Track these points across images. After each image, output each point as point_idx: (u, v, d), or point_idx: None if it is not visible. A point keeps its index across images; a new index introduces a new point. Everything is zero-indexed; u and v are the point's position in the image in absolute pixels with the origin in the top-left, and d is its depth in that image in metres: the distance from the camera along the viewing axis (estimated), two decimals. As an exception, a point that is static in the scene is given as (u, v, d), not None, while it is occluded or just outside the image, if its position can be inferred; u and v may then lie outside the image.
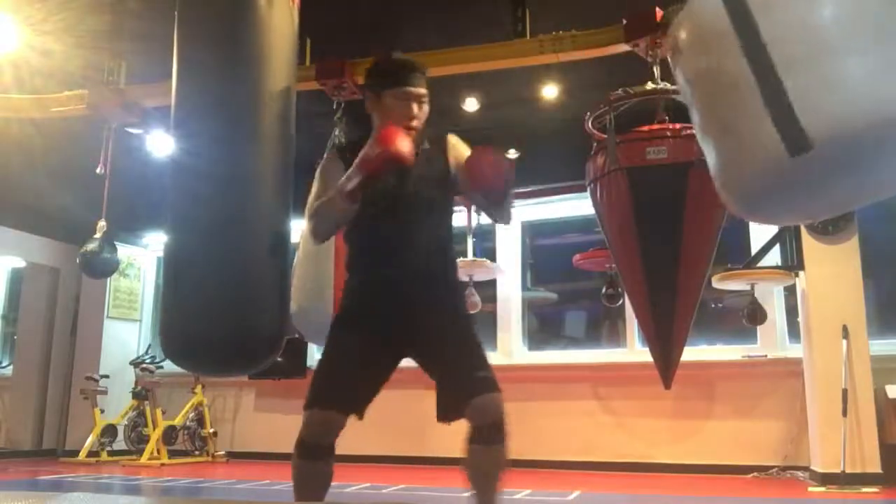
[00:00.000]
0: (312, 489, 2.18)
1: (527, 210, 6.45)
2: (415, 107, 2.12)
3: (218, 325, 2.31)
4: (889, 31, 1.46)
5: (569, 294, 6.95)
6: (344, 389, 2.09)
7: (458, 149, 2.23)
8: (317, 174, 2.24)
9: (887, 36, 1.46)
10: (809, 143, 1.43)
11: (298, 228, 2.90)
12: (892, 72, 1.44)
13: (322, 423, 2.10)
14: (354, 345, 2.10)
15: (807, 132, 1.43)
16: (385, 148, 1.93)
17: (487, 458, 2.03)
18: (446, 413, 2.08)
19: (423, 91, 2.14)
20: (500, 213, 2.19)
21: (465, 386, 2.02)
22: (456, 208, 2.49)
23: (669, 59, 1.96)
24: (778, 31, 1.49)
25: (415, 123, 2.12)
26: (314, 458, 2.15)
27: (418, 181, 2.13)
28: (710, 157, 1.77)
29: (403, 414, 4.97)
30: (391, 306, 2.11)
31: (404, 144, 1.95)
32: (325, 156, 2.20)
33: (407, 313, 2.11)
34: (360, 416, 2.13)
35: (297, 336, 3.34)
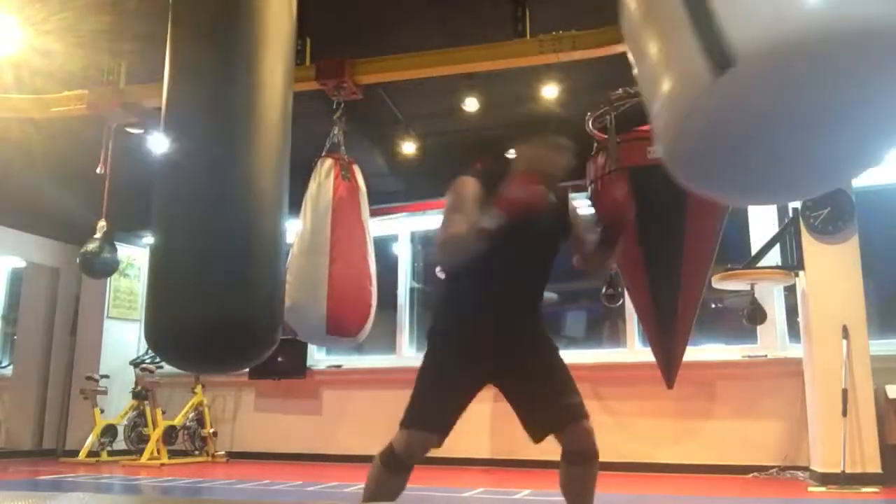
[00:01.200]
0: (385, 498, 2.25)
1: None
2: (554, 156, 2.27)
3: (209, 321, 2.29)
4: None
5: (569, 294, 6.95)
6: (445, 414, 2.19)
7: (574, 203, 2.43)
8: (449, 197, 2.25)
9: None
10: (732, 58, 1.18)
11: (293, 226, 2.89)
12: None
13: (420, 444, 2.19)
14: (457, 373, 2.21)
15: (730, 45, 1.18)
16: (530, 193, 2.04)
17: (583, 478, 2.26)
18: (538, 435, 2.25)
19: (565, 143, 2.29)
20: (605, 257, 2.33)
21: (559, 415, 2.20)
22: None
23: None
24: None
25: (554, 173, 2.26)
26: (398, 472, 2.22)
27: (542, 229, 2.26)
28: (648, 105, 1.51)
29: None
30: (493, 341, 2.23)
31: (537, 195, 2.08)
32: (459, 177, 2.25)
33: (506, 348, 2.24)
34: (440, 442, 2.21)
35: (295, 336, 3.34)
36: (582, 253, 2.41)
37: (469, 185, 2.21)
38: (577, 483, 2.26)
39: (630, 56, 1.59)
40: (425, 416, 2.17)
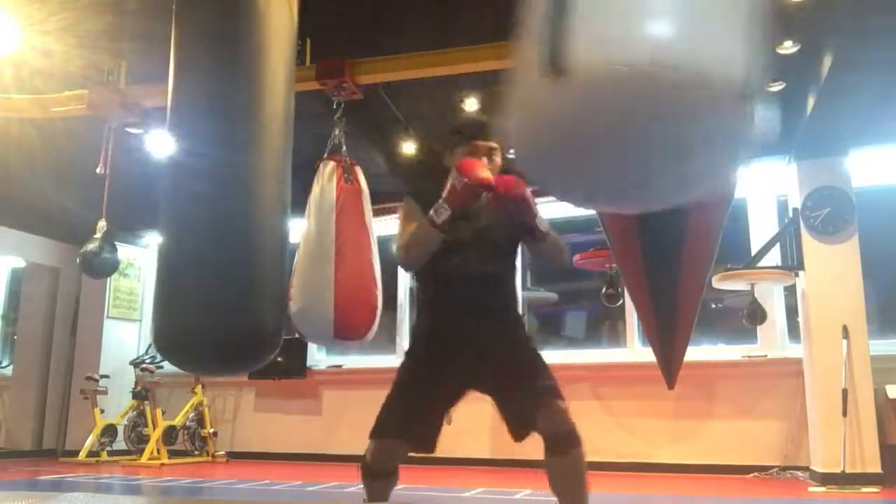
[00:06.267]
0: (379, 498, 2.35)
1: (527, 210, 6.45)
2: (483, 159, 2.29)
3: (215, 324, 2.30)
4: None
5: (569, 294, 6.95)
6: (410, 422, 2.24)
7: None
8: (398, 215, 2.40)
9: None
10: (566, 70, 1.21)
11: (298, 228, 2.90)
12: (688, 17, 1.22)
13: (385, 452, 2.27)
14: (423, 380, 2.28)
15: (566, 57, 1.21)
16: (469, 176, 2.12)
17: (566, 467, 2.13)
18: (518, 430, 2.21)
19: (492, 144, 2.33)
20: (544, 250, 2.37)
21: (532, 399, 2.15)
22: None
23: None
24: None
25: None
26: (378, 479, 2.32)
27: (489, 226, 2.32)
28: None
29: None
30: (462, 345, 2.27)
31: (485, 172, 2.16)
32: (404, 199, 2.40)
33: (476, 352, 2.26)
34: (431, 449, 2.26)
35: (296, 336, 3.35)
36: (542, 251, 2.42)
37: (409, 205, 2.35)
38: (566, 475, 2.13)
39: None
40: (385, 426, 2.25)
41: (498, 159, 2.34)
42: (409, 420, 2.24)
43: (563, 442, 2.10)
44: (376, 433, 2.25)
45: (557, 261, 2.44)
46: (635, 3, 1.25)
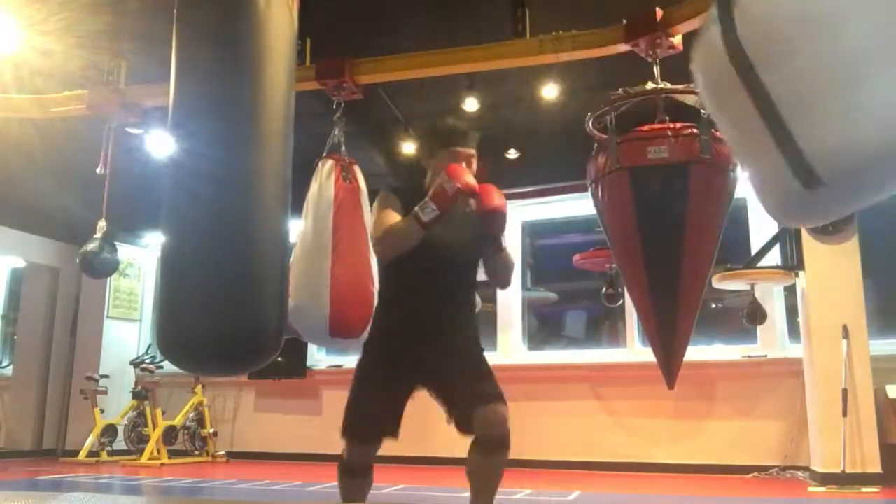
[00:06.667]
0: (358, 498, 2.48)
1: (527, 210, 6.45)
2: (464, 165, 2.37)
3: (216, 324, 2.30)
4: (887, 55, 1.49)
5: (569, 294, 6.95)
6: (375, 422, 2.37)
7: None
8: (375, 206, 2.48)
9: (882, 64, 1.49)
10: (820, 180, 1.49)
11: (296, 227, 2.90)
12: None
13: (359, 452, 2.41)
14: (381, 379, 2.37)
15: (816, 171, 1.48)
16: (461, 182, 2.23)
17: (489, 467, 2.25)
18: (463, 427, 2.30)
19: (471, 151, 2.43)
20: (499, 266, 2.46)
21: (471, 399, 2.24)
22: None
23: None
24: (777, 75, 1.55)
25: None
26: (355, 476, 2.46)
27: (460, 230, 2.39)
28: (748, 175, 1.82)
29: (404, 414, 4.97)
30: (420, 344, 2.35)
31: (472, 179, 2.28)
32: (381, 192, 2.48)
33: (430, 351, 2.34)
34: (395, 436, 2.39)
35: (293, 337, 3.35)
36: (485, 261, 2.50)
37: (388, 198, 2.43)
38: (484, 471, 2.28)
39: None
40: (355, 428, 2.38)
41: (475, 165, 2.43)
42: (373, 421, 2.36)
43: (493, 443, 2.21)
44: (350, 433, 2.38)
45: (504, 278, 2.52)
46: (846, 100, 1.48)
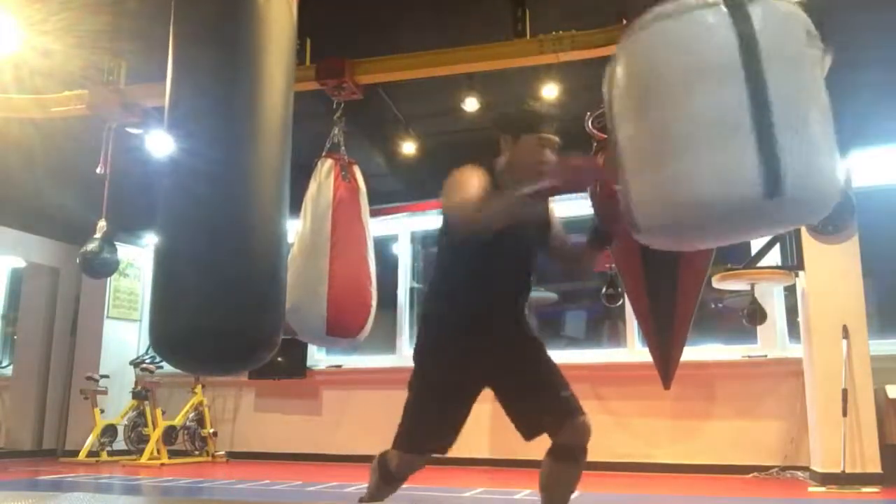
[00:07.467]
0: (378, 499, 2.42)
1: (527, 210, 6.44)
2: (548, 152, 2.26)
3: (213, 323, 2.29)
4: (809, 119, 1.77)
5: (569, 294, 6.95)
6: (434, 435, 2.24)
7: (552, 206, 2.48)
8: (458, 179, 2.22)
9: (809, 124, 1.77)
10: (782, 190, 1.69)
11: (294, 227, 2.89)
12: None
13: (409, 464, 2.30)
14: (448, 388, 2.23)
15: (783, 181, 1.68)
16: (587, 165, 2.14)
17: (571, 474, 2.21)
18: (531, 431, 2.25)
19: (557, 139, 2.31)
20: (596, 255, 2.38)
21: (555, 406, 2.19)
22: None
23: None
24: (781, 90, 1.73)
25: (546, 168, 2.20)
26: (392, 483, 2.36)
27: (528, 232, 2.29)
28: (657, 174, 1.84)
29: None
30: (482, 341, 2.23)
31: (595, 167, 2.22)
32: (468, 167, 2.25)
33: (495, 347, 2.24)
34: (450, 448, 2.27)
35: (292, 337, 3.34)
36: (562, 255, 2.43)
37: (480, 173, 2.23)
38: (562, 481, 2.22)
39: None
40: (416, 441, 2.25)
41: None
42: (437, 434, 2.24)
43: (576, 453, 2.18)
44: (406, 446, 2.25)
45: (588, 270, 2.49)
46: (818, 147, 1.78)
